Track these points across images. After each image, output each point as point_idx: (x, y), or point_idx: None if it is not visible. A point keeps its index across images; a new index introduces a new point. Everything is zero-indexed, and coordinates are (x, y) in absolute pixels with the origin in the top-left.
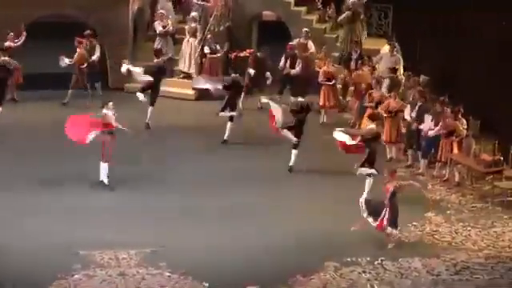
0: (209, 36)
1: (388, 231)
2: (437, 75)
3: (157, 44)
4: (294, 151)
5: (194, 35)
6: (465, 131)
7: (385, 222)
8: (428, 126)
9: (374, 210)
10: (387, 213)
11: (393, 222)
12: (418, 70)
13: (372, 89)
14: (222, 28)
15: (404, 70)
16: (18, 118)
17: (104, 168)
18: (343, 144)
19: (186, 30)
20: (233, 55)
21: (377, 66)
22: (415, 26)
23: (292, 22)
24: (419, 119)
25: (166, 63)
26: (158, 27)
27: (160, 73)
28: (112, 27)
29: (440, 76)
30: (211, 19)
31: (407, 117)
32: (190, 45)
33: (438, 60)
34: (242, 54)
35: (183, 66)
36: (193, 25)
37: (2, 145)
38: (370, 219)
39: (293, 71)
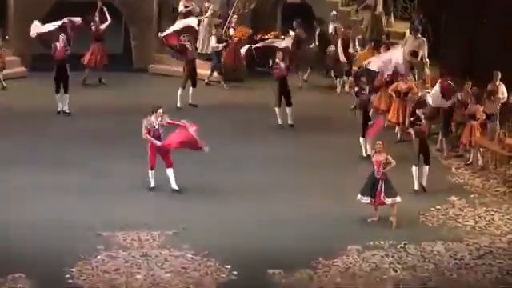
0: (234, 18)
1: (390, 202)
2: (462, 59)
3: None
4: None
5: (198, 15)
6: (484, 115)
7: (382, 195)
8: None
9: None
10: (383, 186)
11: (392, 193)
12: (442, 54)
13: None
14: (247, 10)
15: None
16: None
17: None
18: None
19: (191, 11)
20: (258, 37)
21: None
22: (440, 9)
23: (317, 4)
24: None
25: None
26: (181, 7)
27: None
28: (137, 8)
29: (465, 59)
30: (236, 1)
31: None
32: (202, 26)
33: (464, 43)
34: (266, 36)
35: (199, 47)
36: (193, 5)
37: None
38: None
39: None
